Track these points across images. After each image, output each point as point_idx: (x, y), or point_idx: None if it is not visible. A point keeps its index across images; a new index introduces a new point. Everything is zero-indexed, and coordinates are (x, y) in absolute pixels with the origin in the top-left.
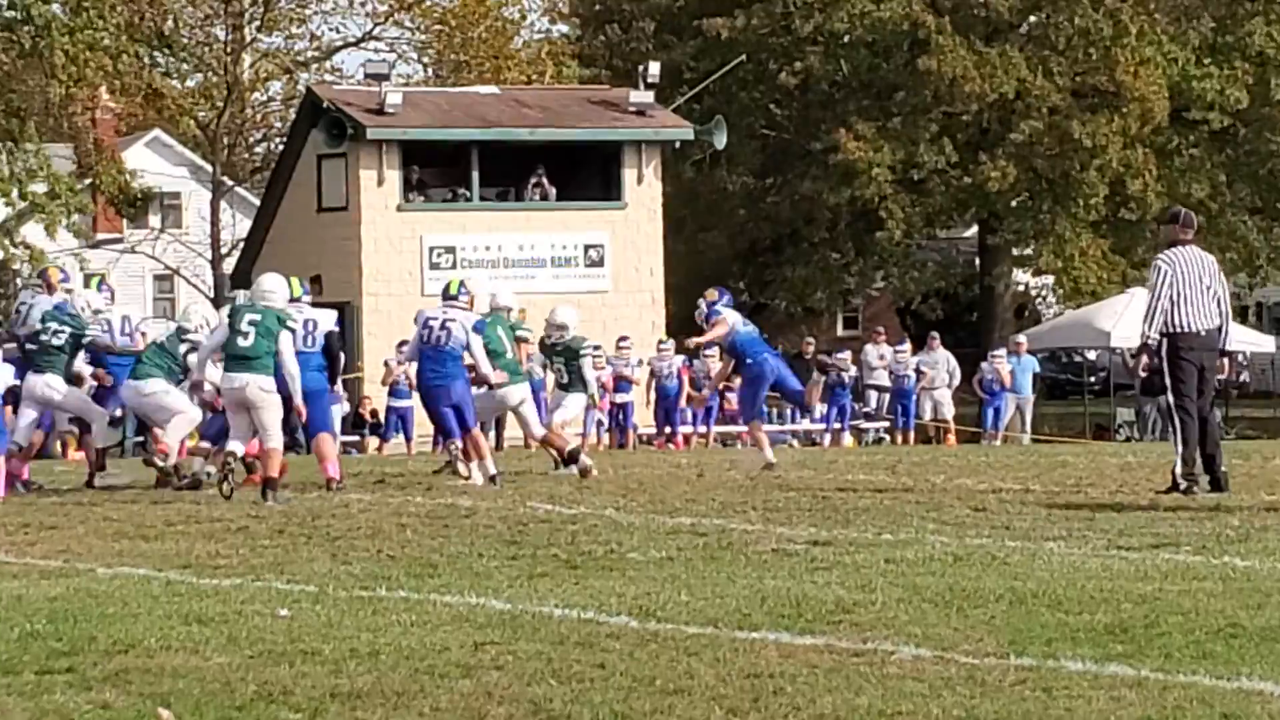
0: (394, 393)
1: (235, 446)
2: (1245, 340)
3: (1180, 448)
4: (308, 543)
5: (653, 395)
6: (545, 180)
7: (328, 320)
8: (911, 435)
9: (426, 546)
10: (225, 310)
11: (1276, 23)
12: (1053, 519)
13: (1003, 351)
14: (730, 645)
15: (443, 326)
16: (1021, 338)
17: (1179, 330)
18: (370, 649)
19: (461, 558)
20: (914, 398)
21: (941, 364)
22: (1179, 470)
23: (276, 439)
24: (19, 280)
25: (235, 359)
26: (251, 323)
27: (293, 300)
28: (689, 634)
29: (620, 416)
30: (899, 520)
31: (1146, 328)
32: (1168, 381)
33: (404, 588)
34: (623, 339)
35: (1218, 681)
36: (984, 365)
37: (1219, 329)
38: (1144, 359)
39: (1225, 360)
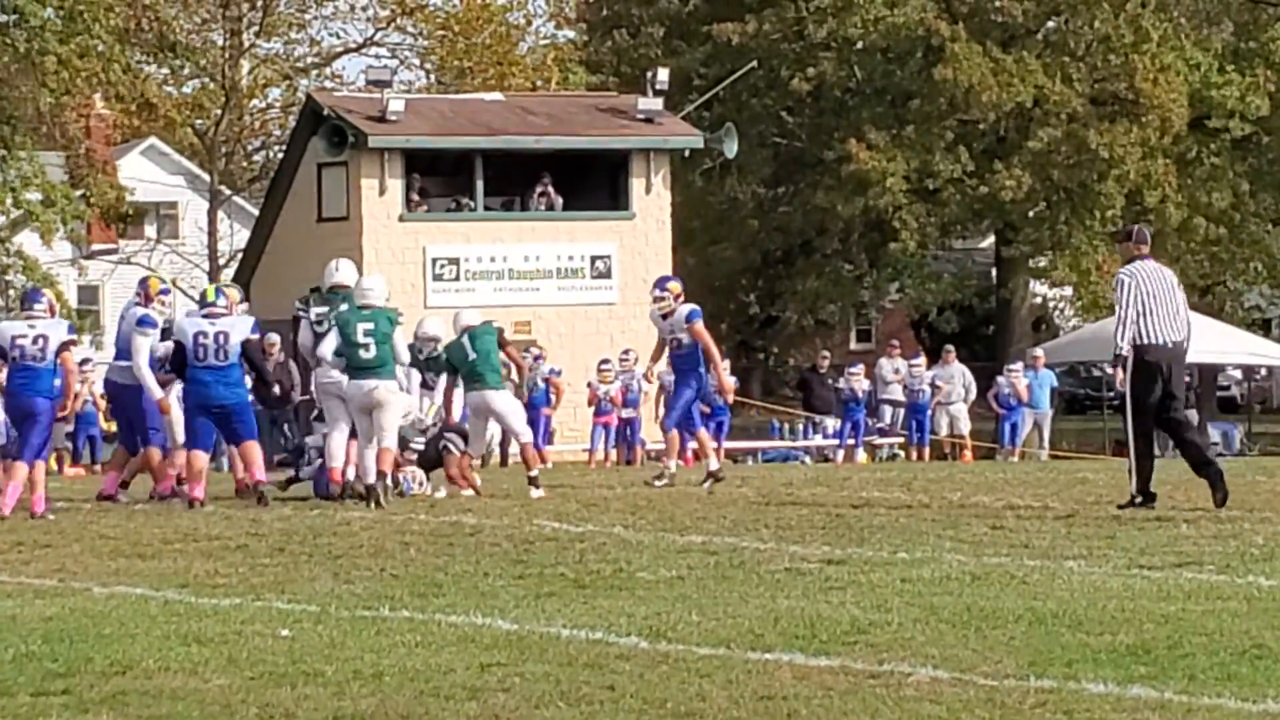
0: None
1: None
2: (1269, 355)
3: (1133, 463)
4: (309, 561)
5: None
6: (552, 189)
7: (243, 328)
8: (927, 451)
9: (431, 565)
10: (326, 314)
11: None
12: (1072, 537)
13: (1019, 365)
14: (743, 667)
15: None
16: (1039, 351)
17: (1146, 343)
18: (374, 670)
19: (467, 577)
20: (929, 413)
21: (957, 378)
22: (1134, 485)
23: (392, 438)
24: (11, 290)
25: (360, 368)
26: (368, 333)
27: (204, 306)
28: (701, 655)
29: (627, 432)
30: (915, 538)
31: (1119, 340)
32: (1127, 394)
33: (408, 608)
34: (625, 352)
35: (1243, 704)
36: (1000, 379)
37: (1185, 339)
38: (1120, 372)
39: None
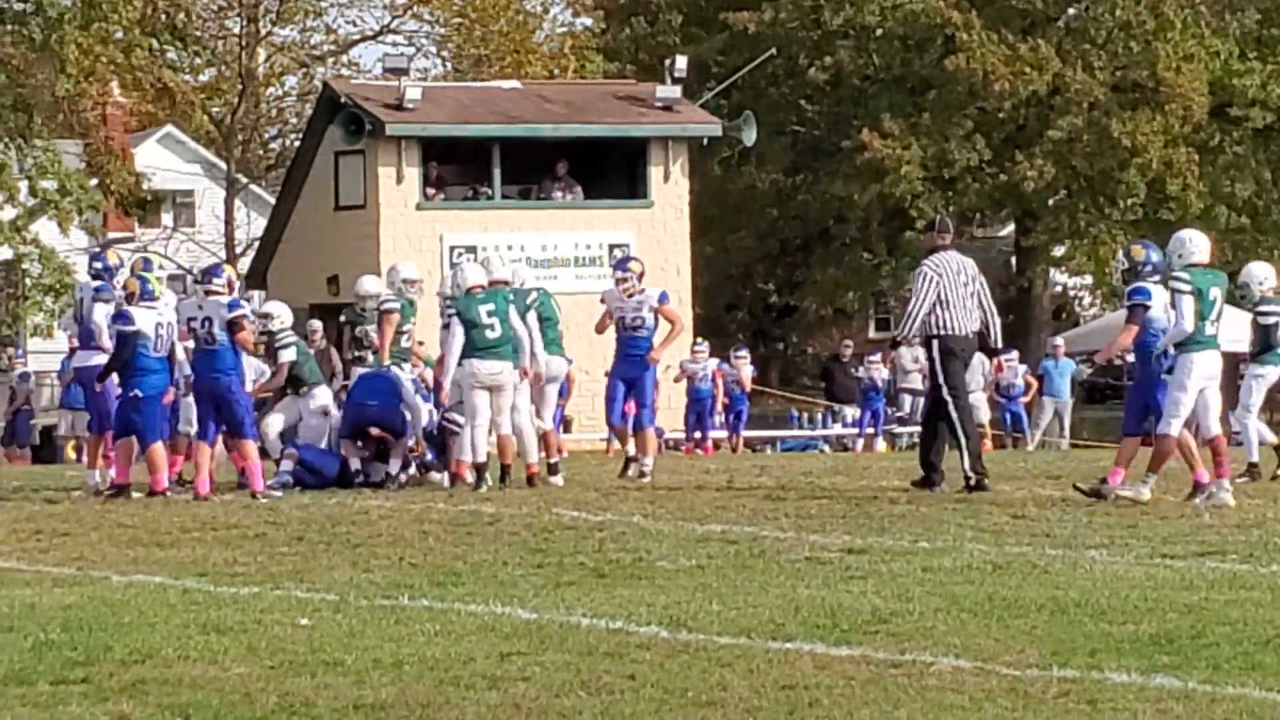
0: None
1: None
2: None
3: (964, 444)
4: (327, 550)
5: (685, 399)
6: (570, 178)
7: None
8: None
9: (449, 554)
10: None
11: None
12: (1094, 526)
13: (1014, 354)
14: (764, 656)
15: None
16: (1059, 340)
17: (948, 333)
18: (393, 659)
19: (486, 566)
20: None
21: (976, 367)
22: (968, 465)
23: (509, 424)
24: (28, 280)
25: (486, 348)
26: (490, 313)
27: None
28: (721, 644)
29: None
30: (936, 527)
31: (910, 326)
32: (941, 382)
33: (427, 596)
34: None
35: (1268, 694)
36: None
37: (980, 331)
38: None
39: (998, 359)
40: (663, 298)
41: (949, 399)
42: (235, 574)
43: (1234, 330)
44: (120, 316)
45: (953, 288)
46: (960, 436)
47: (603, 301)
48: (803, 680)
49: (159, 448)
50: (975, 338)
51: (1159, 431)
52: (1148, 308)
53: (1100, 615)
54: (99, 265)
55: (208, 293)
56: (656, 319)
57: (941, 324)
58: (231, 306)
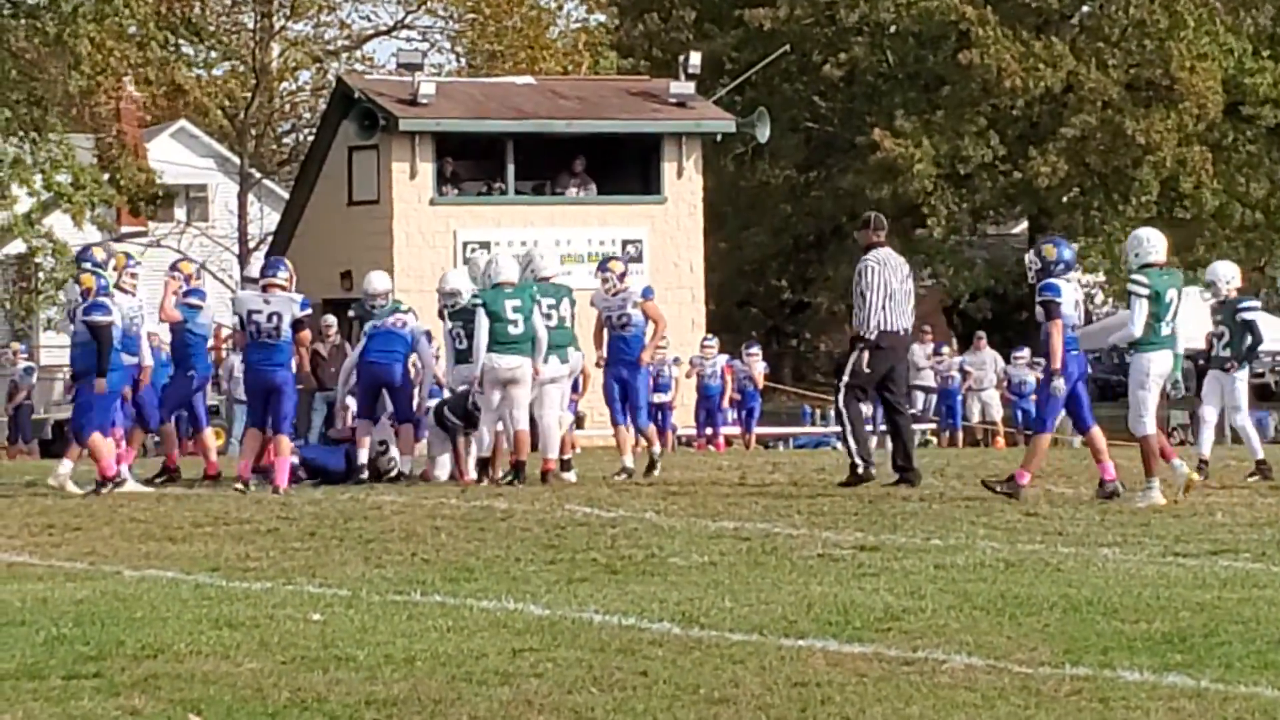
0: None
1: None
2: None
3: (851, 435)
4: (340, 545)
5: (695, 395)
6: (583, 174)
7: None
8: (960, 437)
9: (462, 550)
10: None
11: None
12: (1107, 524)
13: (1026, 352)
14: (776, 653)
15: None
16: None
17: (886, 329)
18: (405, 655)
19: (498, 561)
20: (960, 399)
21: (989, 364)
22: (855, 451)
23: (525, 419)
24: (40, 273)
25: (507, 343)
26: (516, 309)
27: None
28: (733, 641)
29: (659, 417)
30: (948, 525)
31: (867, 328)
32: (848, 369)
33: (439, 592)
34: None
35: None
36: (1008, 367)
37: (910, 328)
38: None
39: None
40: (646, 293)
41: (842, 387)
42: (247, 569)
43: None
44: (98, 308)
45: (893, 283)
46: (848, 429)
47: (592, 305)
48: (815, 677)
49: (98, 437)
50: (906, 335)
51: (1137, 433)
52: (1059, 304)
53: (1113, 613)
54: (88, 264)
55: (268, 287)
56: (647, 317)
57: (882, 320)
58: (303, 305)
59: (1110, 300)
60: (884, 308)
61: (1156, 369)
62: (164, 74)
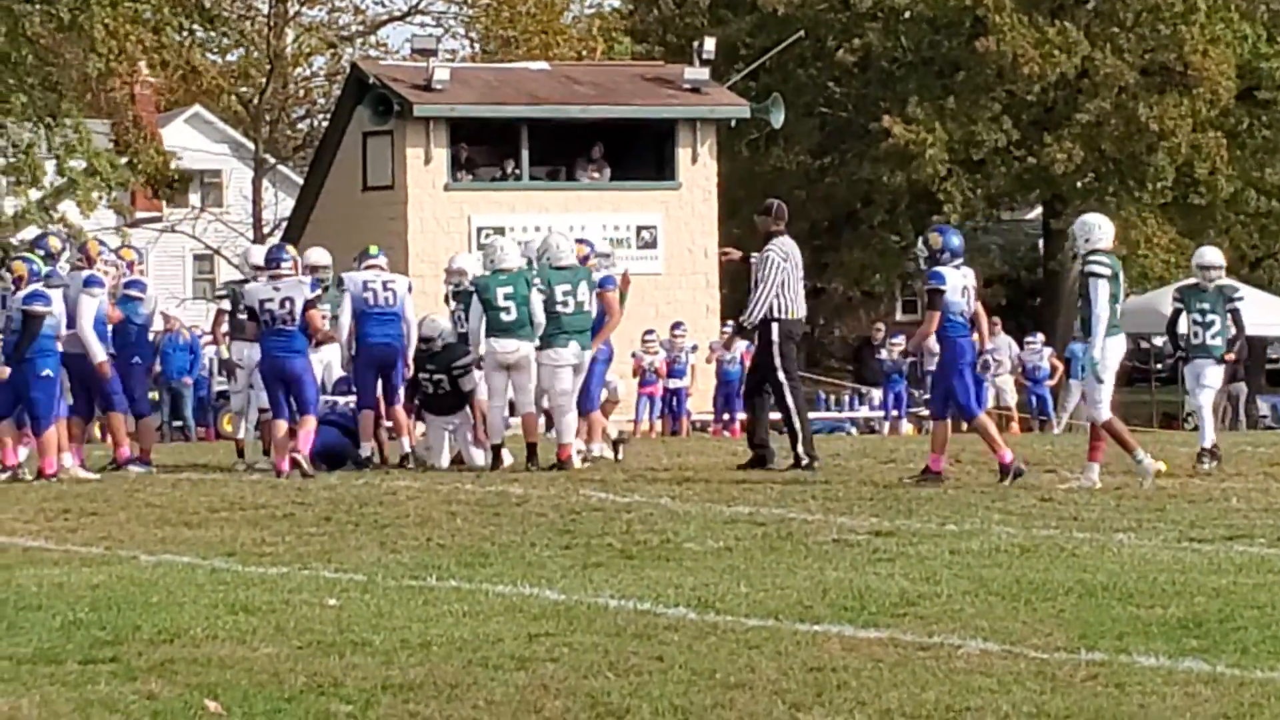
0: None
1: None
2: None
3: (798, 426)
4: (355, 530)
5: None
6: (598, 159)
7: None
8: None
9: (477, 535)
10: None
11: None
12: (1122, 509)
13: (1039, 338)
14: (792, 638)
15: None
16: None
17: (787, 317)
18: (422, 640)
19: (513, 547)
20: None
21: (1004, 350)
22: (801, 448)
23: (531, 403)
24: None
25: (501, 329)
26: (508, 296)
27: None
28: (749, 626)
29: (674, 403)
30: (963, 510)
31: (754, 312)
32: (777, 365)
33: (455, 577)
34: (676, 325)
35: None
36: (1021, 354)
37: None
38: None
39: None
40: (604, 282)
41: (784, 381)
42: (263, 554)
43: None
44: (39, 297)
45: (793, 273)
46: (794, 420)
47: None
48: (830, 662)
49: (54, 431)
50: (801, 323)
51: (1096, 420)
52: (943, 292)
53: (1128, 598)
54: (41, 250)
55: (274, 276)
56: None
57: (782, 309)
58: (313, 286)
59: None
60: (783, 296)
61: (1114, 353)
62: (179, 58)
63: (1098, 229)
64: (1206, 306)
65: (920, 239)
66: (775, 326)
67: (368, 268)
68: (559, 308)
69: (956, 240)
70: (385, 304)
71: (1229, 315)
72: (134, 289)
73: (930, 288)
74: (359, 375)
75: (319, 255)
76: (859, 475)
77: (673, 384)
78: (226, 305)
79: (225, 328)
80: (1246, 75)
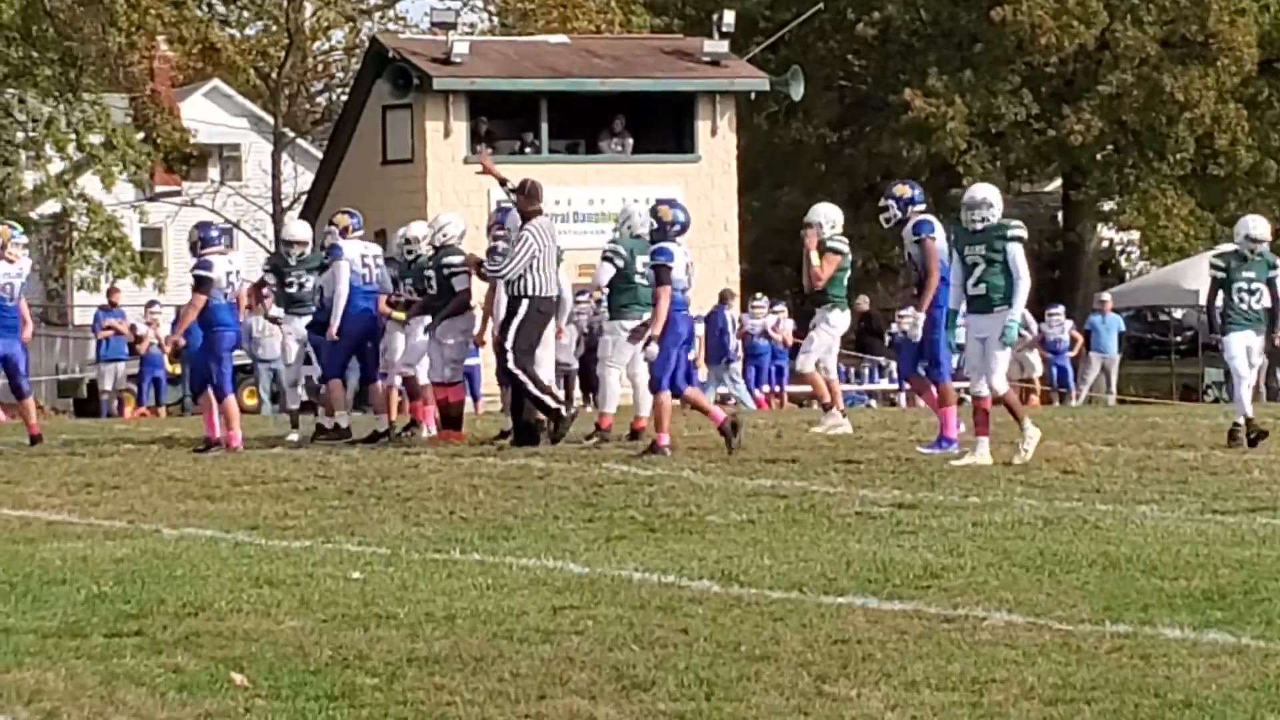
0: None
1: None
2: None
3: (536, 393)
4: (378, 504)
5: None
6: (619, 132)
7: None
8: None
9: (500, 508)
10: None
11: None
12: (1144, 481)
13: (1060, 309)
14: (816, 610)
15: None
16: (1106, 296)
17: (538, 294)
18: (446, 613)
19: (536, 520)
20: None
21: (1027, 322)
22: (549, 401)
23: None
24: (75, 233)
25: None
26: (645, 265)
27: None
28: (773, 599)
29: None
30: (985, 483)
31: (522, 290)
32: (513, 338)
33: (478, 550)
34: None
35: None
36: (1041, 326)
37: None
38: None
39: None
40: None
41: (511, 355)
42: (286, 527)
43: None
44: None
45: (547, 252)
46: (531, 390)
47: None
48: (855, 634)
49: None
50: (554, 301)
51: (992, 391)
52: (671, 268)
53: (1152, 570)
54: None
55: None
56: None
57: (534, 286)
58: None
59: (1146, 258)
60: (537, 273)
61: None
62: (198, 32)
63: (1000, 205)
64: (1253, 275)
65: (649, 211)
66: (526, 303)
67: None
68: (637, 278)
69: (683, 215)
70: (378, 281)
71: (1269, 286)
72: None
73: (658, 264)
74: (334, 346)
75: (299, 229)
76: (881, 448)
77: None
78: (270, 279)
79: (259, 299)
80: (1266, 46)
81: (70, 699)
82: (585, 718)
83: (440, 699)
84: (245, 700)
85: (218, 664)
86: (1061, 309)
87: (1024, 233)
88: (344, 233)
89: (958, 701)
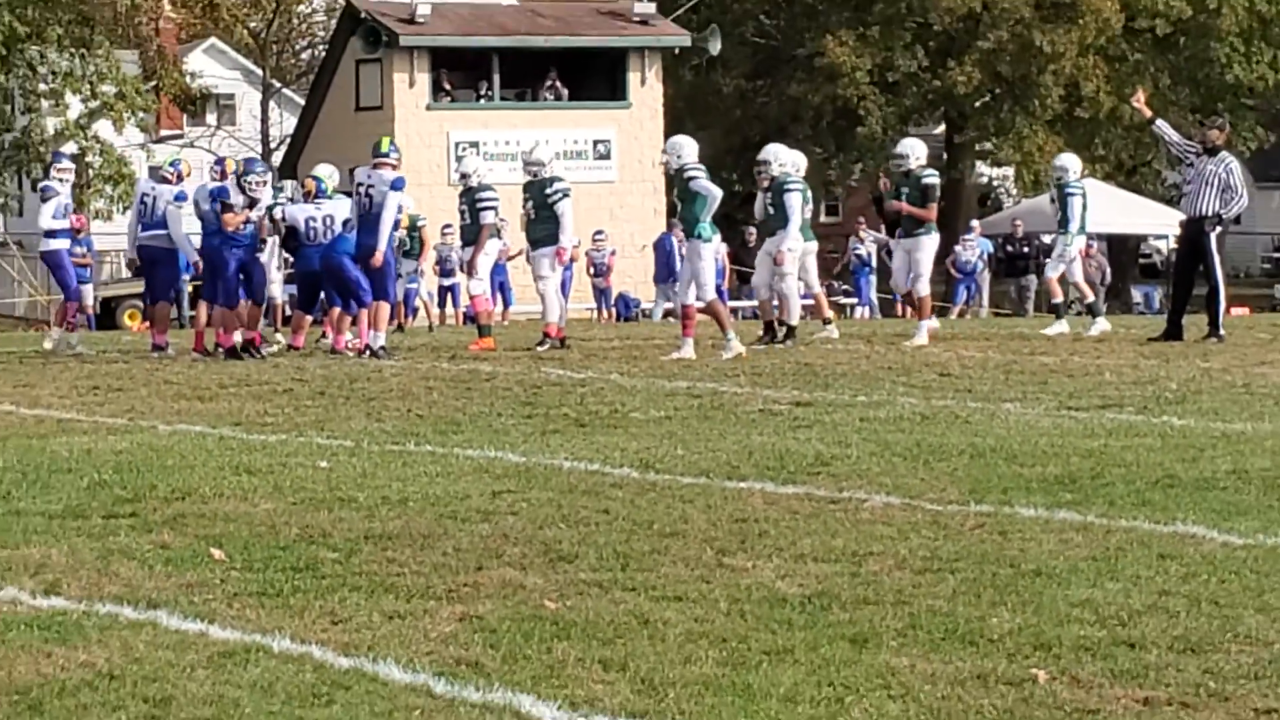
0: (442, 272)
1: None
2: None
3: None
4: (345, 403)
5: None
6: (559, 82)
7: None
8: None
9: (451, 407)
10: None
11: None
12: (1010, 383)
13: (974, 235)
14: (720, 494)
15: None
16: (975, 223)
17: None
18: (400, 497)
19: (482, 417)
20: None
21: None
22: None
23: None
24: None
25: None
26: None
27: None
28: (684, 484)
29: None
30: (873, 384)
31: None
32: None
33: (430, 443)
34: (598, 232)
35: (1155, 526)
36: (956, 248)
37: None
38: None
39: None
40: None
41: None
42: (265, 423)
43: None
44: None
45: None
46: None
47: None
48: (753, 514)
49: None
50: None
51: (704, 299)
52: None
53: (1012, 459)
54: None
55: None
56: None
57: None
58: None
59: (1018, 191)
60: None
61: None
62: None
63: (797, 165)
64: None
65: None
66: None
67: (378, 165)
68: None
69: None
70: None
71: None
72: None
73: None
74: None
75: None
76: (783, 355)
77: (599, 282)
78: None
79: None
80: (1125, 7)
81: (70, 571)
82: (516, 586)
83: (391, 570)
84: (222, 572)
85: (200, 541)
86: (975, 232)
87: (794, 184)
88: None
89: (840, 571)
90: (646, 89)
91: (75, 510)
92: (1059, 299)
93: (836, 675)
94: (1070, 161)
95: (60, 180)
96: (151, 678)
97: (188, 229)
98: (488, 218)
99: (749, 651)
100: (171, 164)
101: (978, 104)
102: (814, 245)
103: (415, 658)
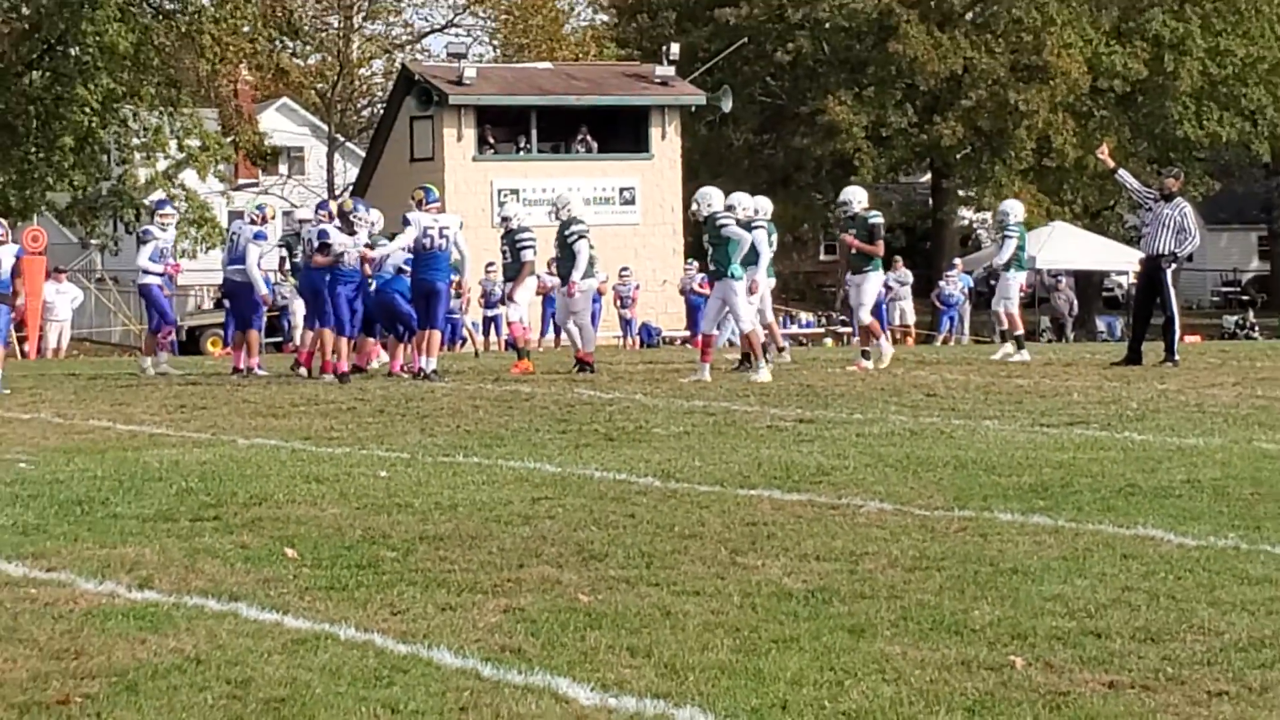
0: (487, 304)
1: None
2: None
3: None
4: (402, 419)
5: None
6: (589, 136)
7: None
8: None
9: (495, 423)
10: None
11: (1168, 11)
12: (989, 402)
13: (956, 271)
14: (733, 500)
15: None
16: (957, 261)
17: None
18: (450, 502)
19: (522, 432)
20: (884, 307)
21: (906, 279)
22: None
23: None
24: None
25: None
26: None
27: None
28: (701, 491)
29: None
30: (867, 403)
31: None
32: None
33: (477, 455)
34: (624, 269)
35: (1119, 529)
36: (941, 283)
37: None
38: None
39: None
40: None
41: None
42: (331, 438)
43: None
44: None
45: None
46: None
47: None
48: (763, 518)
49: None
50: None
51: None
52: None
53: (991, 469)
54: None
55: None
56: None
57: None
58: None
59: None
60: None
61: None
62: (270, 61)
63: (728, 203)
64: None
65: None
66: None
67: (434, 208)
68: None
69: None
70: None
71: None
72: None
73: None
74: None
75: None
76: (788, 378)
77: (624, 313)
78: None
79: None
80: (1090, 70)
81: (161, 568)
82: (553, 581)
83: (443, 567)
84: (295, 569)
85: (275, 541)
86: (957, 269)
87: (758, 223)
88: (419, 205)
89: (839, 569)
90: (666, 142)
91: (165, 514)
92: (1020, 330)
93: (837, 661)
94: (1013, 207)
95: (161, 227)
96: (233, 662)
97: (266, 267)
98: (527, 255)
99: (759, 640)
100: (258, 207)
101: (960, 155)
102: (772, 281)
103: (465, 645)
